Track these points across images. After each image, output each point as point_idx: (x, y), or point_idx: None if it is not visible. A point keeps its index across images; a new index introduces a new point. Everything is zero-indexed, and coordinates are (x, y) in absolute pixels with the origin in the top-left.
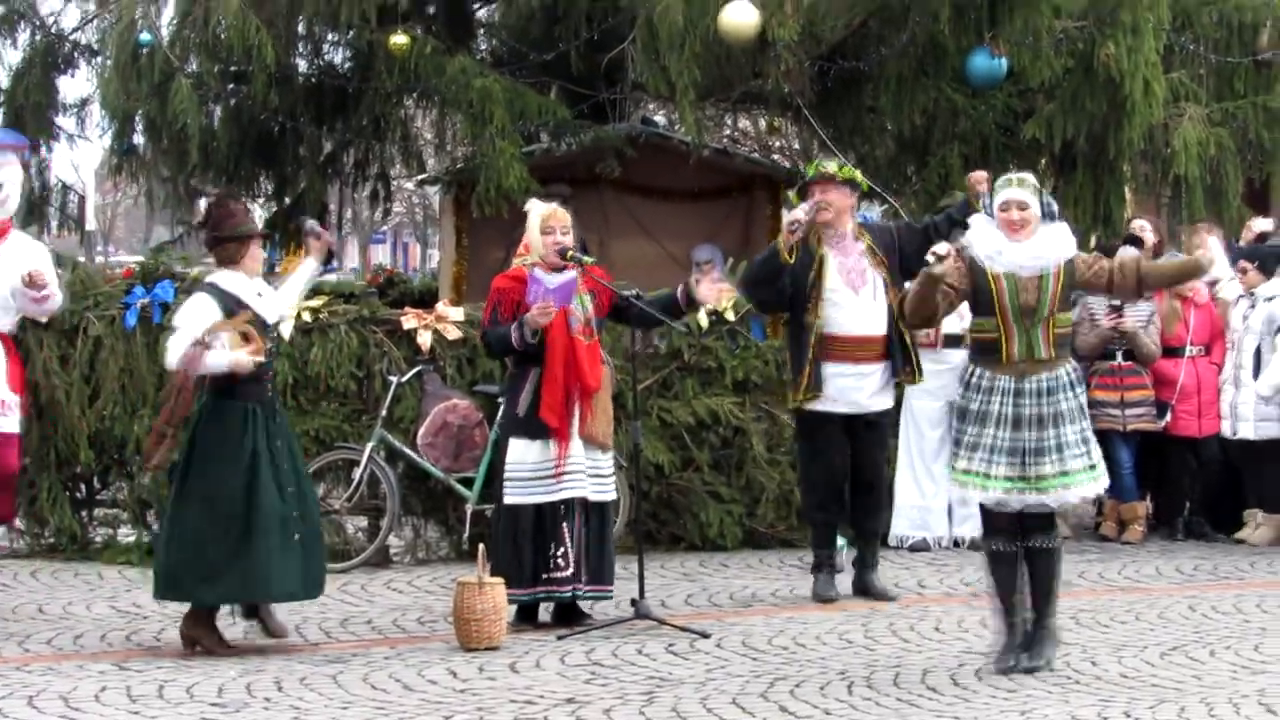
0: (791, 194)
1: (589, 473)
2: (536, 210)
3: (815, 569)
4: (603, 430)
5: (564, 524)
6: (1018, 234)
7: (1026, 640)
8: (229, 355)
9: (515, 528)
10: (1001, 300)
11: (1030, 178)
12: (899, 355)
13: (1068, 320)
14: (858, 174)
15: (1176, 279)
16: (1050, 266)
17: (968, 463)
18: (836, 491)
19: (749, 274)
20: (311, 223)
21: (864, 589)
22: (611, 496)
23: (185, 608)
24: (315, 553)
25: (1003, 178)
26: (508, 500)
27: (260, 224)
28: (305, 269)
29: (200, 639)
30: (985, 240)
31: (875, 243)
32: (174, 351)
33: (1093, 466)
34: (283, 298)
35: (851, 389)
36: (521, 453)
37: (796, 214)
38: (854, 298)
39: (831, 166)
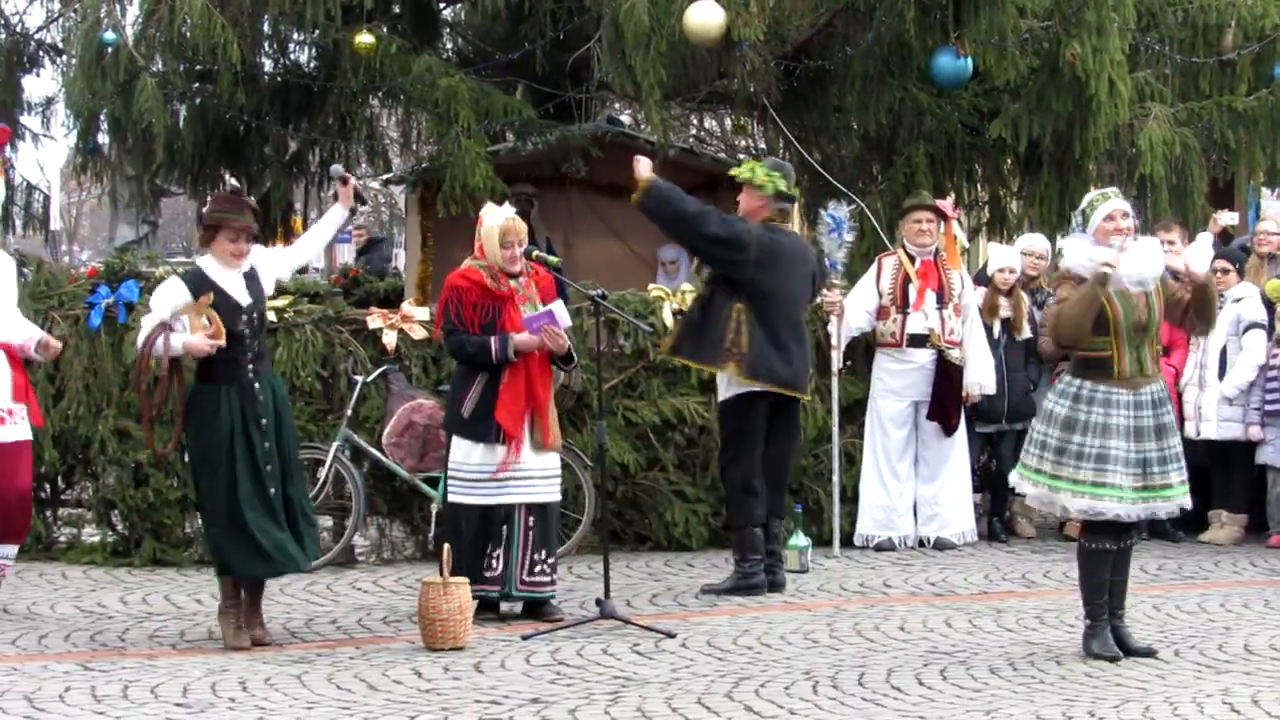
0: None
1: (540, 476)
2: (495, 218)
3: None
4: (555, 436)
5: (503, 527)
6: (1125, 242)
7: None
8: (183, 338)
9: (457, 525)
10: (1116, 320)
11: (1117, 190)
12: None
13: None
14: (773, 182)
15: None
16: (1151, 284)
17: (1096, 474)
18: None
19: None
20: (337, 167)
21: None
22: (559, 495)
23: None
24: (300, 529)
25: (1094, 193)
26: (451, 498)
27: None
28: (332, 215)
29: (222, 629)
30: (1098, 256)
31: None
32: (140, 332)
33: (1185, 480)
34: (301, 247)
35: None
36: (465, 453)
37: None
38: None
39: (745, 172)
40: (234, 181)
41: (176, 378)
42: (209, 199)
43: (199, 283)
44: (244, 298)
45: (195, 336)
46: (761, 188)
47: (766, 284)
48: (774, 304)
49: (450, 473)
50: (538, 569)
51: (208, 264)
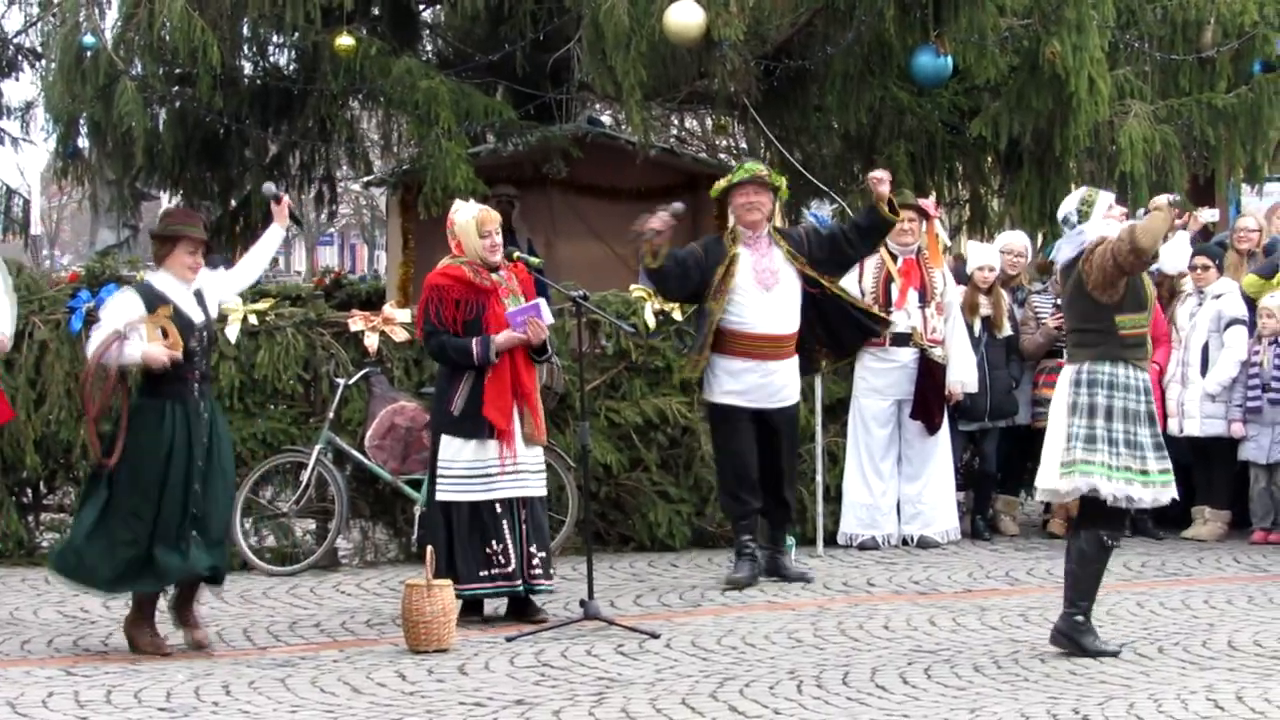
0: (713, 191)
1: (530, 470)
2: (467, 212)
3: (736, 555)
4: (543, 428)
5: (503, 521)
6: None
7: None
8: (141, 347)
9: (449, 524)
10: (1151, 295)
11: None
12: (811, 346)
13: None
14: (782, 181)
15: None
16: None
17: (1158, 462)
18: (747, 481)
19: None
20: (269, 186)
21: (777, 571)
22: (545, 489)
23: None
24: (208, 548)
25: (1082, 191)
26: (440, 497)
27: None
28: (270, 236)
29: (136, 639)
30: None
31: (792, 247)
32: (92, 342)
33: None
34: (244, 269)
35: (758, 386)
36: (455, 451)
37: (654, 223)
38: (764, 296)
39: (761, 168)
40: (167, 199)
41: (121, 389)
42: (161, 215)
43: (152, 297)
44: (197, 315)
45: (153, 346)
46: None
47: None
48: None
49: (440, 471)
50: (534, 562)
51: (160, 279)
